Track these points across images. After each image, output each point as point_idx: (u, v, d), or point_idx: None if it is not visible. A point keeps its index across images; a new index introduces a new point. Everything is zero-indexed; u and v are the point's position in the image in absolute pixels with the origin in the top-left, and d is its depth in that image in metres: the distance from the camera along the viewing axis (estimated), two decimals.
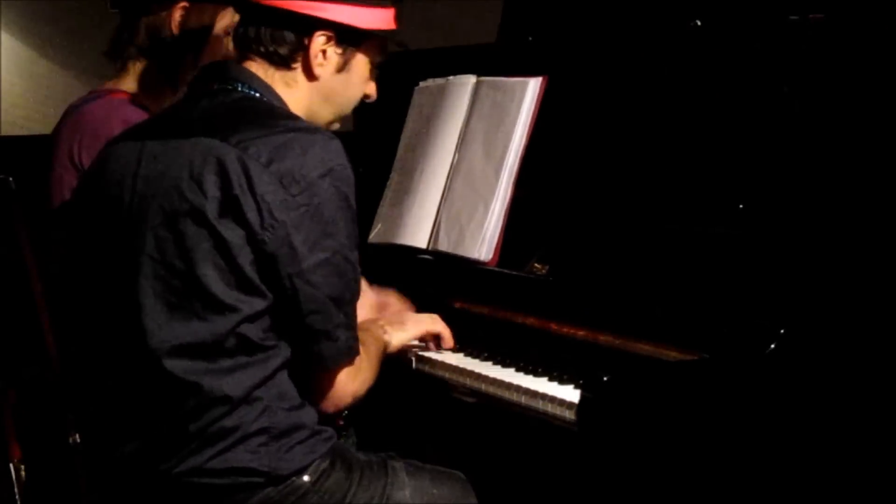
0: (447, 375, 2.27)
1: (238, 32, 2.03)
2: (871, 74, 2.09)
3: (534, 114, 2.46)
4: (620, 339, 2.10)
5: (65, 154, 2.44)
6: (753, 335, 1.92)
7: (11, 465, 2.06)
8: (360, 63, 2.09)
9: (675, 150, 2.24)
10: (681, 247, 2.13)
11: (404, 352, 2.33)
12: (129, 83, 2.54)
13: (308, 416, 1.95)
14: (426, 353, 2.33)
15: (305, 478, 1.93)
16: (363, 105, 2.15)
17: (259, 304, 1.86)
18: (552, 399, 2.02)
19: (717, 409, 1.90)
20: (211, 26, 2.50)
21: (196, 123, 1.93)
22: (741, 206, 2.09)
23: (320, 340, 1.91)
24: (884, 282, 2.04)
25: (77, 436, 2.02)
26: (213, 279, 1.84)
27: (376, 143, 2.92)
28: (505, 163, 2.47)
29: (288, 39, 2.00)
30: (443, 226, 2.57)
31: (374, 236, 2.74)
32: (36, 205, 2.38)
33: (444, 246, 2.55)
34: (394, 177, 2.78)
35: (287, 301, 1.87)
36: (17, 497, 2.05)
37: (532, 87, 2.47)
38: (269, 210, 1.83)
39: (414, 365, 2.34)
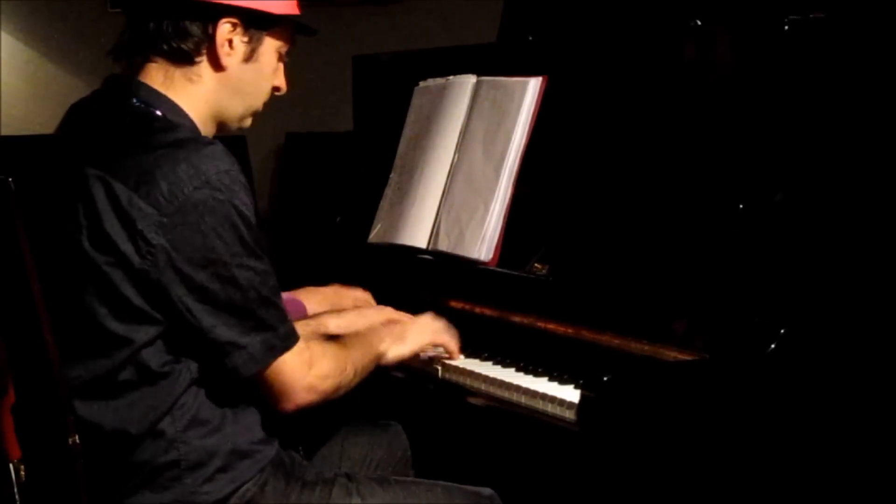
0: (447, 376, 2.27)
1: (137, 31, 1.92)
2: (871, 74, 2.09)
3: (534, 114, 2.46)
4: (620, 339, 2.10)
5: None
6: (753, 335, 1.92)
7: (11, 465, 2.05)
8: (268, 51, 1.98)
9: (675, 150, 2.24)
10: (681, 247, 2.13)
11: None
12: None
13: (230, 440, 1.88)
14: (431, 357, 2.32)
15: None
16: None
17: (153, 331, 1.81)
18: (552, 399, 2.02)
19: (717, 408, 1.90)
20: None
21: (80, 148, 1.87)
22: (741, 206, 2.09)
23: (229, 352, 1.83)
24: (884, 281, 2.04)
25: (77, 437, 2.02)
26: (102, 312, 1.79)
27: (376, 143, 2.92)
28: (505, 163, 2.47)
29: (192, 32, 1.90)
30: (443, 226, 2.57)
31: (373, 236, 2.74)
32: (36, 205, 2.38)
33: (443, 246, 2.54)
34: (394, 177, 2.78)
35: (185, 323, 1.81)
36: (16, 497, 2.04)
37: (532, 87, 2.47)
38: (143, 237, 1.76)
39: (426, 370, 2.33)
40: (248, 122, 2.04)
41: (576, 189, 2.41)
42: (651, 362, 2.02)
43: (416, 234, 2.63)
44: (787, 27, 2.08)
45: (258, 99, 2.01)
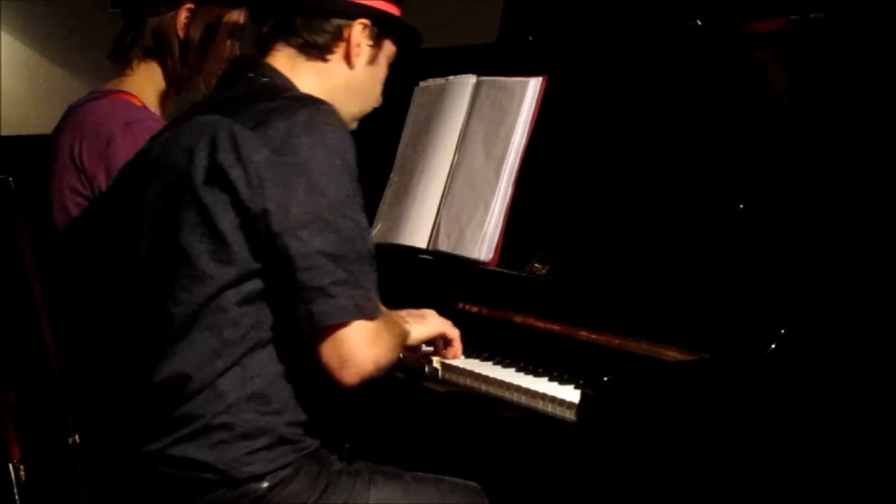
0: (447, 375, 2.27)
1: (269, 24, 2.01)
2: (871, 74, 2.09)
3: (534, 114, 2.46)
4: (620, 339, 2.10)
5: (65, 154, 2.45)
6: (753, 335, 1.92)
7: (11, 466, 2.06)
8: (384, 58, 2.09)
9: (675, 150, 2.24)
10: (681, 247, 2.13)
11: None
12: (132, 84, 2.54)
13: (286, 425, 1.89)
14: (432, 356, 2.32)
15: (264, 484, 1.88)
16: None
17: (237, 271, 1.83)
18: (552, 399, 2.02)
19: (717, 409, 1.90)
20: (217, 28, 2.50)
21: (204, 108, 1.95)
22: (741, 206, 2.09)
23: (315, 297, 1.82)
24: (884, 282, 2.04)
25: (77, 436, 2.02)
26: (195, 247, 1.83)
27: (376, 143, 2.92)
28: (505, 163, 2.46)
29: (327, 28, 2.00)
30: (443, 226, 2.57)
31: (373, 236, 2.73)
32: (36, 205, 2.38)
33: (444, 246, 2.54)
34: (394, 177, 2.78)
35: (278, 262, 1.83)
36: (16, 497, 2.05)
37: (532, 87, 2.47)
38: (256, 170, 1.82)
39: (427, 369, 2.32)
40: (354, 125, 2.10)
41: (576, 189, 2.41)
42: (651, 362, 2.02)
43: (416, 234, 2.63)
44: (787, 27, 2.08)
45: (369, 105, 2.12)
